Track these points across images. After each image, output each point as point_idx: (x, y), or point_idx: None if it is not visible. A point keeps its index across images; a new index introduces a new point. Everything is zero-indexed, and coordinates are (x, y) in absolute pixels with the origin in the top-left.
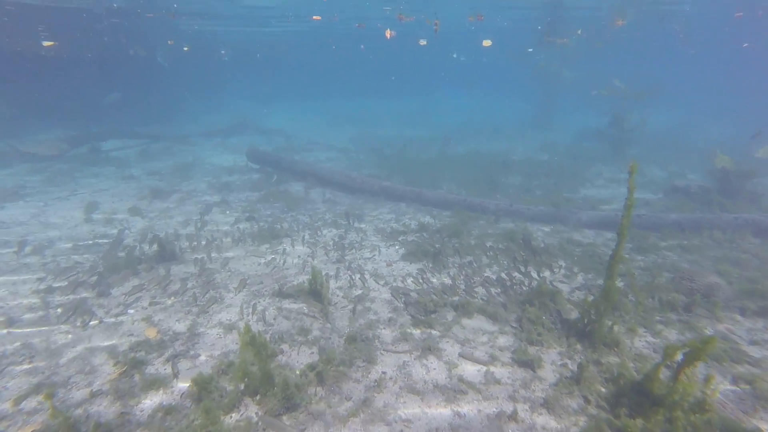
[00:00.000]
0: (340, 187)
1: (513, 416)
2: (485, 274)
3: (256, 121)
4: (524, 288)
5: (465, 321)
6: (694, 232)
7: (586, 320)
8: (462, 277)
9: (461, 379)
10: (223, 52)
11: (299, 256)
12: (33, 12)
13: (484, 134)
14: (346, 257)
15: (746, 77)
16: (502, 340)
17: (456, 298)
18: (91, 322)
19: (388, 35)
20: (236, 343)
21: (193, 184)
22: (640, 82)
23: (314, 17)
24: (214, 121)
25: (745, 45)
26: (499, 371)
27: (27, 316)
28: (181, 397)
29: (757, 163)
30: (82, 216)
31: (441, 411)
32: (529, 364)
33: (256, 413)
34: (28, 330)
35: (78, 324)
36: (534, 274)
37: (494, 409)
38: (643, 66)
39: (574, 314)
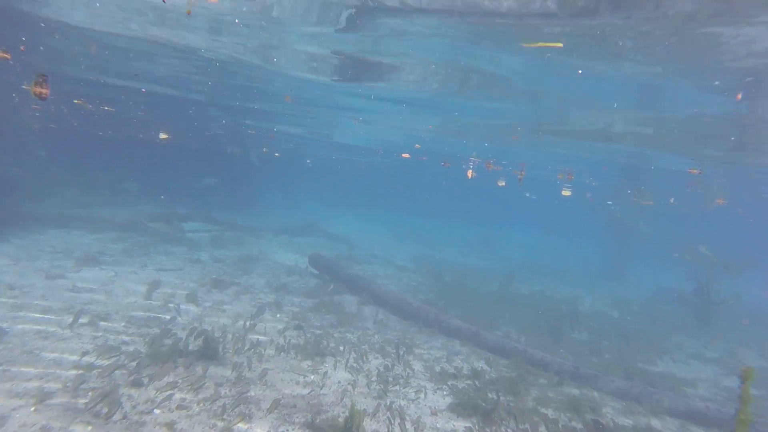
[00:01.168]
0: (393, 309)
1: None
2: None
3: (324, 225)
4: None
5: None
6: None
7: None
8: None
9: None
10: (308, 161)
11: (339, 382)
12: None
13: (549, 277)
14: (388, 393)
15: None
16: None
17: None
18: (115, 416)
19: (469, 175)
20: None
21: (252, 279)
22: (731, 252)
23: (404, 155)
24: (286, 215)
25: None
26: None
27: (59, 395)
28: None
29: None
30: (143, 292)
31: None
32: None
33: None
34: (53, 412)
35: (102, 415)
36: None
37: None
38: (737, 236)
39: None
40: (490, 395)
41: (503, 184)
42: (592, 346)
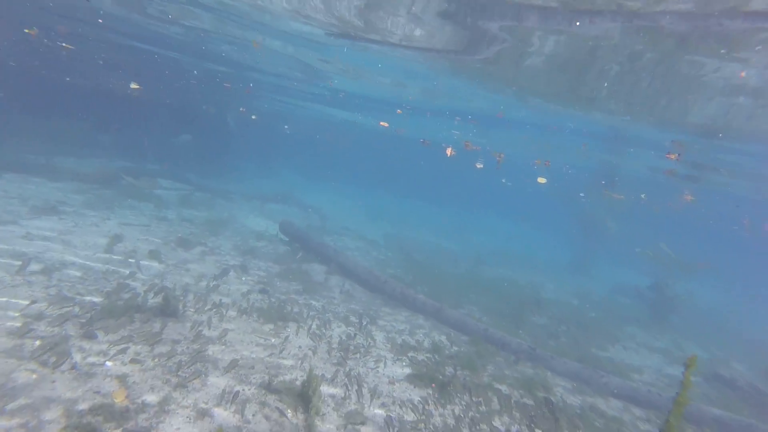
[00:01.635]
0: (360, 281)
1: None
2: (494, 424)
3: (299, 195)
4: None
5: None
6: None
7: None
8: (467, 419)
9: None
10: (286, 126)
11: (300, 347)
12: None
13: (517, 263)
14: (348, 360)
15: None
16: None
17: None
18: (63, 366)
19: (449, 153)
20: None
21: (220, 241)
22: (689, 253)
23: (381, 123)
24: (261, 185)
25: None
26: None
27: (2, 341)
28: None
29: None
30: (103, 245)
31: None
32: None
33: None
34: None
35: (49, 364)
36: None
37: None
38: (696, 238)
39: None
40: (448, 369)
41: (480, 166)
42: (550, 330)
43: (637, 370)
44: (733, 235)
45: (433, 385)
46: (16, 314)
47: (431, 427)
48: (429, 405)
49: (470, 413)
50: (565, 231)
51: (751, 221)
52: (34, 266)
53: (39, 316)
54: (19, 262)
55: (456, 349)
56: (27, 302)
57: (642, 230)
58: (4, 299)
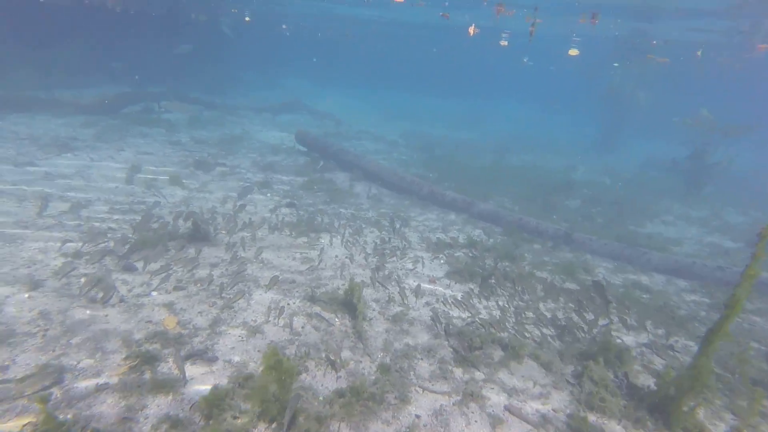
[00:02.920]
0: (386, 184)
1: None
2: (540, 311)
3: (309, 102)
4: (583, 335)
5: (514, 365)
6: None
7: (662, 395)
8: (512, 309)
9: None
10: (284, 26)
11: (337, 257)
12: None
13: (542, 149)
14: (386, 265)
15: None
16: (556, 398)
17: (505, 335)
18: (111, 300)
19: (471, 32)
20: (258, 351)
21: (237, 159)
22: (731, 117)
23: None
24: (267, 96)
25: None
26: None
27: (50, 282)
28: (190, 408)
29: None
30: (123, 178)
31: None
32: None
33: None
34: (48, 298)
35: (98, 300)
36: (593, 319)
37: None
38: (737, 102)
39: (642, 378)
40: (486, 262)
41: (505, 44)
42: (584, 213)
43: (676, 242)
44: None
45: (474, 279)
46: (56, 254)
47: (478, 320)
48: (473, 299)
49: (515, 303)
50: (590, 110)
51: None
52: (61, 205)
53: (77, 254)
54: (46, 203)
55: (492, 241)
56: (62, 242)
57: (676, 98)
58: (41, 241)
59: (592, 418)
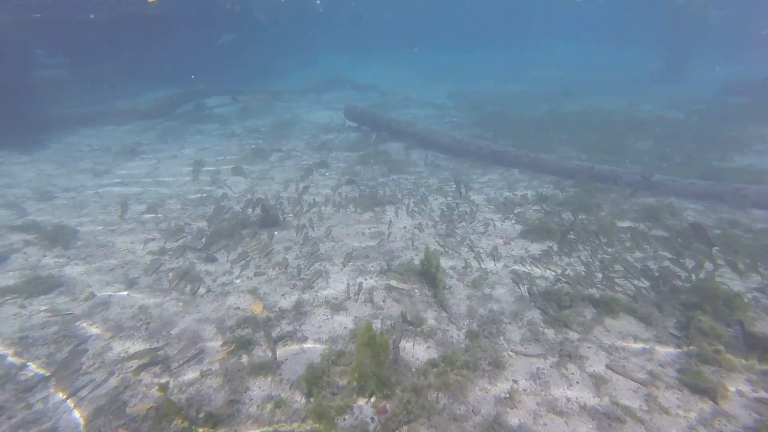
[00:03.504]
0: (442, 148)
1: None
2: (629, 262)
3: (349, 77)
4: (682, 284)
5: (609, 322)
6: None
7: None
8: (597, 263)
9: (614, 401)
10: (318, 2)
11: (405, 228)
12: None
13: (599, 90)
14: (456, 231)
15: None
16: (662, 353)
17: (593, 291)
18: (200, 290)
19: None
20: (344, 327)
21: (291, 142)
22: None
23: None
24: (308, 76)
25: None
26: (663, 396)
27: (143, 279)
28: (290, 388)
29: None
30: (189, 174)
31: None
32: (706, 391)
33: (371, 418)
34: (143, 294)
35: (187, 291)
36: (696, 266)
37: None
38: None
39: (760, 326)
40: (561, 217)
41: None
42: (660, 153)
43: None
44: None
45: (551, 235)
46: (143, 253)
47: (562, 277)
48: (553, 256)
49: (598, 256)
50: (652, 39)
51: None
52: (139, 207)
53: (161, 251)
54: (126, 206)
55: (563, 195)
56: (145, 241)
57: (754, 14)
58: (128, 242)
59: (708, 370)
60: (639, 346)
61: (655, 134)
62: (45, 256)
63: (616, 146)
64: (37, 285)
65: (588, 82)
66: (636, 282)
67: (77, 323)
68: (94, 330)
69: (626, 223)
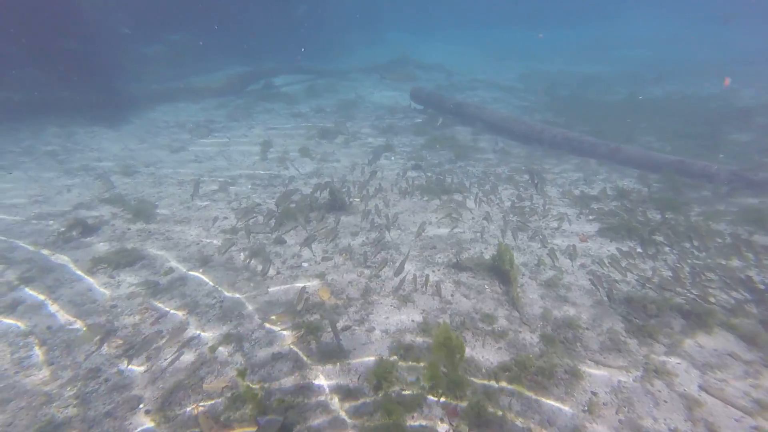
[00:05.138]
0: (512, 135)
1: None
2: (725, 269)
3: (415, 55)
4: None
5: (702, 337)
6: None
7: None
8: (686, 268)
9: (712, 429)
10: None
11: (474, 218)
12: None
13: (686, 72)
14: (528, 224)
15: None
16: None
17: (683, 301)
18: (270, 272)
19: None
20: (411, 320)
21: (356, 124)
22: None
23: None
24: (373, 55)
25: None
26: None
27: (216, 257)
28: (358, 379)
29: None
30: (258, 153)
31: None
32: None
33: (441, 418)
34: (217, 272)
35: (258, 271)
36: None
37: None
38: None
39: None
40: (645, 215)
41: None
42: (763, 146)
43: None
44: None
45: (632, 234)
46: (216, 232)
47: (646, 282)
48: (634, 258)
49: (688, 260)
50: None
51: None
52: (212, 186)
53: (233, 230)
54: (198, 185)
55: (646, 190)
56: (218, 220)
57: None
58: (202, 219)
59: None
60: (741, 368)
61: (758, 124)
62: (129, 229)
63: (709, 137)
64: (124, 257)
65: (677, 62)
66: (734, 294)
67: (158, 296)
68: (172, 305)
69: (722, 226)
